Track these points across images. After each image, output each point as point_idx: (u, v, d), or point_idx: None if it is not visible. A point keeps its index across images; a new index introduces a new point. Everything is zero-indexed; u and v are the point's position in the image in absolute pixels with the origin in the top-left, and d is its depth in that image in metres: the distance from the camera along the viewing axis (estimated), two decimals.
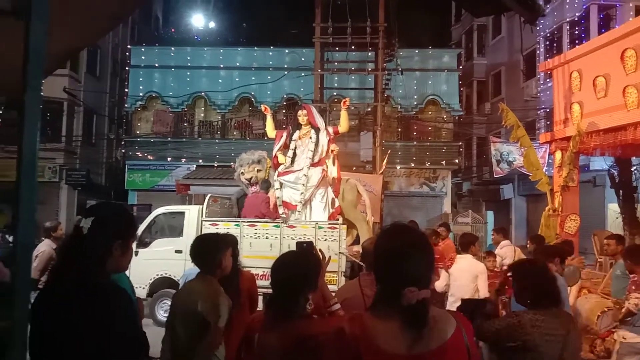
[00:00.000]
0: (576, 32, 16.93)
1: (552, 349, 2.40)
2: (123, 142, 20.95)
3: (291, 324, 2.09)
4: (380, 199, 12.98)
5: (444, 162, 19.13)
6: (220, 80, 19.60)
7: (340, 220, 7.47)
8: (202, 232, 7.13)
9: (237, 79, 19.45)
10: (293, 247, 3.04)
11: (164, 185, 18.90)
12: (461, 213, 19.41)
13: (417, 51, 19.68)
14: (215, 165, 17.99)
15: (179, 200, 16.27)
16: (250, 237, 7.40)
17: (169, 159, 19.08)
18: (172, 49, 20.33)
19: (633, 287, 4.24)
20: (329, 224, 7.35)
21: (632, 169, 12.95)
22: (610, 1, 16.24)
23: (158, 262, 8.50)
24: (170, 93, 19.71)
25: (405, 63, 17.79)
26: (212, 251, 3.05)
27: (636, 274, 4.33)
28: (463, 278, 5.69)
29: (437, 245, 7.77)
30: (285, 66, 18.98)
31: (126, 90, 20.42)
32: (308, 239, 7.17)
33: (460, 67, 21.40)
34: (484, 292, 5.60)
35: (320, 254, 2.53)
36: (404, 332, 1.51)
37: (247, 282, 3.68)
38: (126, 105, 20.40)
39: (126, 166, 19.79)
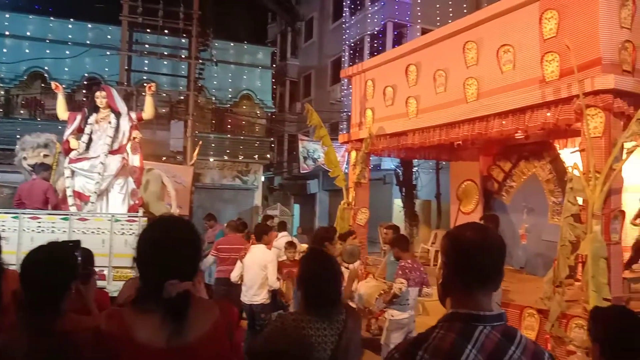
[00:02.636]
0: (375, 45, 18.81)
1: (322, 353, 2.18)
2: None
3: (45, 322, 1.92)
4: (191, 191, 12.72)
5: (256, 157, 19.57)
6: (4, 50, 16.85)
7: (141, 212, 7.10)
8: None
9: (27, 51, 16.95)
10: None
11: None
12: (270, 206, 20.10)
13: (232, 44, 19.67)
14: None
15: None
16: (33, 231, 6.51)
17: None
18: None
19: (400, 272, 4.90)
20: (128, 216, 6.91)
21: (413, 170, 15.02)
22: (403, 21, 18.46)
23: None
24: None
25: (221, 55, 17.69)
26: None
27: (402, 260, 5.02)
28: (255, 267, 5.91)
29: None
30: (87, 42, 17.22)
31: None
32: (103, 232, 6.68)
33: (274, 65, 22.06)
34: (272, 280, 5.90)
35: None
36: (164, 325, 1.50)
37: (12, 282, 3.23)
38: None
39: None
